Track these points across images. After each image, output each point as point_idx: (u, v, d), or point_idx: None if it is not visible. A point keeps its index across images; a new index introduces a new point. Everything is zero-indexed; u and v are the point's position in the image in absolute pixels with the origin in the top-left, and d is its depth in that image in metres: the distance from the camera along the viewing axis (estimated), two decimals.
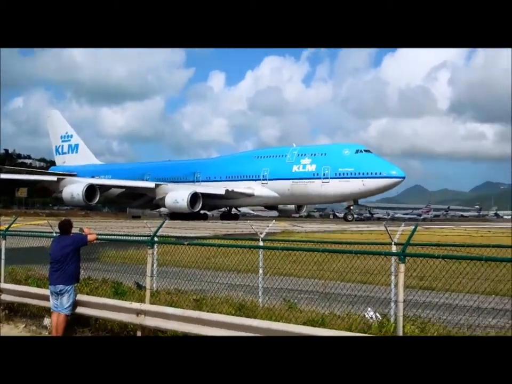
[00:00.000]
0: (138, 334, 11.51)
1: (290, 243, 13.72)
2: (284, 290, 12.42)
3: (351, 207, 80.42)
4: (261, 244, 13.20)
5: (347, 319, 10.61)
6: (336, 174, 75.67)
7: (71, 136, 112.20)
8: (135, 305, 11.73)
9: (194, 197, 78.22)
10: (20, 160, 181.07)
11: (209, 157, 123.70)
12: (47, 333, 13.09)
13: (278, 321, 10.29)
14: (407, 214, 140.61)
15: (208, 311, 11.32)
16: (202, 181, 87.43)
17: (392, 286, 10.61)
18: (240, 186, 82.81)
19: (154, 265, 13.72)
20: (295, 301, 12.20)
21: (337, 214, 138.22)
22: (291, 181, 78.98)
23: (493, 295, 10.31)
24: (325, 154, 78.43)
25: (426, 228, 25.82)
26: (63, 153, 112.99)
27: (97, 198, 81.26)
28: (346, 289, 11.39)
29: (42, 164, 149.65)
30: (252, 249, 12.95)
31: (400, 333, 8.70)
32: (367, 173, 74.65)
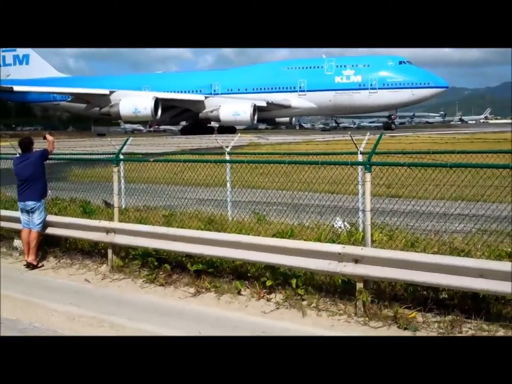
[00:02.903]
0: (109, 251, 11.56)
1: (256, 156, 13.68)
2: (253, 203, 12.48)
3: (393, 116, 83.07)
4: (227, 157, 13.15)
5: (316, 230, 10.72)
6: (384, 84, 77.28)
7: None
8: (104, 223, 11.73)
9: (254, 109, 76.35)
10: None
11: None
12: (17, 254, 13.09)
13: (248, 234, 10.38)
14: (373, 122, 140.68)
15: (177, 227, 11.35)
16: (221, 94, 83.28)
17: (360, 195, 10.69)
18: (275, 98, 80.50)
19: (122, 183, 13.67)
20: (264, 213, 12.27)
21: (303, 124, 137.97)
22: (334, 92, 78.83)
23: (459, 201, 10.42)
24: (368, 65, 79.04)
25: (391, 135, 25.96)
26: (7, 65, 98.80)
27: (160, 112, 76.55)
28: (314, 200, 11.47)
29: None
30: (219, 163, 12.92)
31: (369, 241, 8.82)
32: (415, 83, 77.08)
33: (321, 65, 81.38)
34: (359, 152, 11.44)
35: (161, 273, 10.66)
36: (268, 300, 9.22)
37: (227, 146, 13.80)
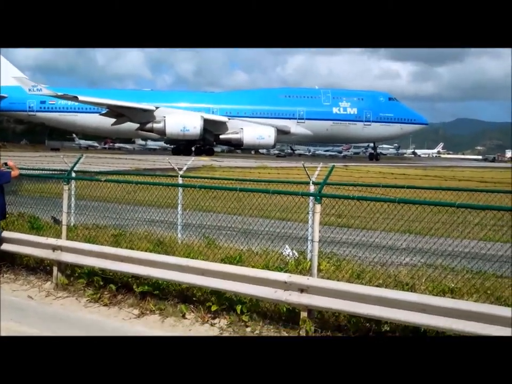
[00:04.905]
0: (55, 269, 11.43)
1: (209, 180, 13.71)
2: (203, 227, 12.47)
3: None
4: (180, 181, 13.13)
5: (264, 256, 10.76)
6: (377, 118, 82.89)
7: None
8: (51, 240, 11.59)
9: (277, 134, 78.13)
10: None
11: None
12: None
13: (196, 258, 10.37)
14: (327, 151, 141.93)
15: (126, 247, 11.30)
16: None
17: (309, 225, 10.77)
18: (278, 124, 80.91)
19: (72, 201, 13.53)
20: (214, 237, 12.26)
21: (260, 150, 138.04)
22: (331, 121, 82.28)
23: (407, 234, 10.58)
24: (362, 99, 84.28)
25: (345, 165, 26.25)
26: None
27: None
28: (265, 226, 11.52)
29: None
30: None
31: (315, 271, 8.87)
32: (403, 119, 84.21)
33: (318, 95, 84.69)
34: (311, 182, 11.56)
35: (106, 293, 10.57)
36: (212, 325, 9.22)
37: (180, 169, 13.76)
